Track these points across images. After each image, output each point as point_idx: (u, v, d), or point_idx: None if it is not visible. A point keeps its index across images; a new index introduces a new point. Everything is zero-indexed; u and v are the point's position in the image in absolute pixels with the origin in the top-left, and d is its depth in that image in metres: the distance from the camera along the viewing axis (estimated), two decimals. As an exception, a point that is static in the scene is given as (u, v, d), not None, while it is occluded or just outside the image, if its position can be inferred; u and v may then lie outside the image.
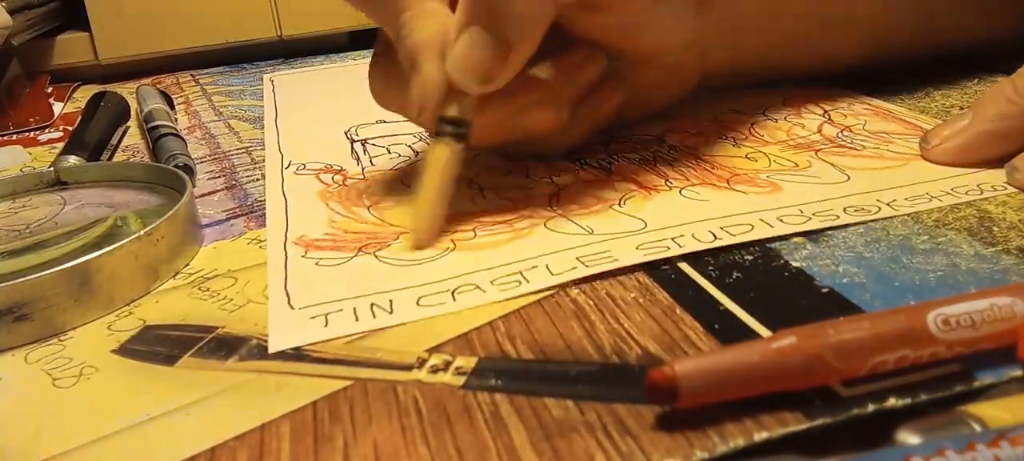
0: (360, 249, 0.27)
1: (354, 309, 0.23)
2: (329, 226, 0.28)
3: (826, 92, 0.39)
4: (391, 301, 0.23)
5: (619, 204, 0.28)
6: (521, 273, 0.24)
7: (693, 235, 0.25)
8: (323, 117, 0.43)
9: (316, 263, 0.26)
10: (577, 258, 0.24)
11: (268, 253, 0.27)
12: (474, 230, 0.27)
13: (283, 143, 0.38)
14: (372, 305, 0.23)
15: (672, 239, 0.25)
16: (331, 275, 0.25)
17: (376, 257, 0.26)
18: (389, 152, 0.36)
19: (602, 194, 0.30)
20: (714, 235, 0.25)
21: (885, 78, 0.39)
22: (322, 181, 0.33)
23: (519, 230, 0.27)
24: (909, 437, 0.17)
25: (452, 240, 0.27)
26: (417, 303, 0.23)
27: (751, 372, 0.17)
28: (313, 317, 0.23)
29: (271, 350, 0.22)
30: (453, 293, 0.23)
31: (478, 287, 0.24)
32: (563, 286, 0.23)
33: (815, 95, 0.39)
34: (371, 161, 0.35)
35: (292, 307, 0.23)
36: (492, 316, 0.22)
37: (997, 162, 0.28)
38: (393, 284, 0.24)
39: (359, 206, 0.30)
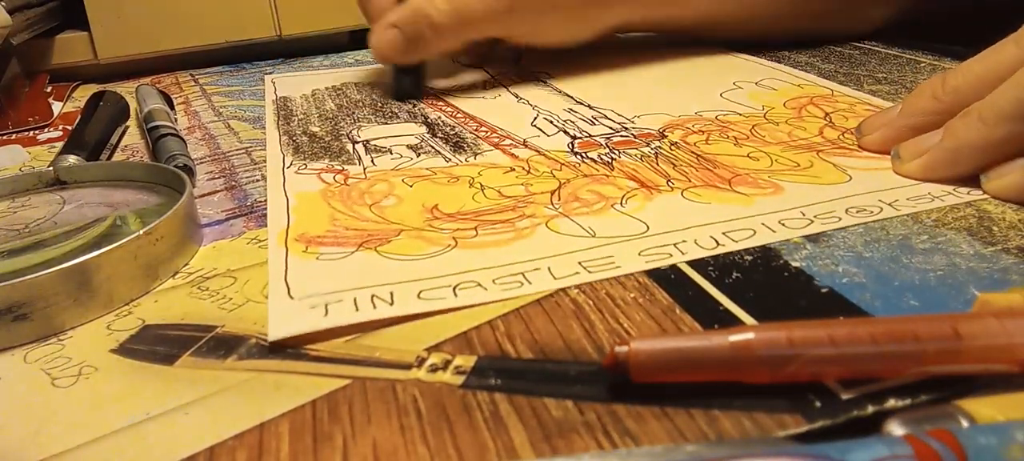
0: (361, 244, 0.27)
1: (354, 299, 0.23)
2: (330, 223, 0.28)
3: (827, 93, 0.39)
4: (392, 293, 0.23)
5: (621, 204, 0.28)
6: (523, 274, 0.24)
7: (695, 241, 0.25)
8: (324, 118, 0.43)
9: (317, 257, 0.26)
10: (579, 263, 0.24)
11: (269, 248, 0.27)
12: (476, 229, 0.27)
13: (284, 143, 0.38)
14: (372, 296, 0.23)
15: (674, 245, 0.25)
16: (332, 268, 0.25)
17: (377, 252, 0.26)
18: (391, 153, 0.36)
19: (603, 191, 0.30)
20: (716, 241, 0.25)
21: (887, 78, 0.39)
22: (323, 180, 0.33)
23: (521, 230, 0.27)
24: (896, 429, 0.17)
25: (454, 237, 0.27)
26: (418, 296, 0.23)
27: (705, 358, 0.18)
28: (313, 306, 0.23)
29: (270, 338, 0.22)
30: (454, 289, 0.23)
31: (479, 284, 0.24)
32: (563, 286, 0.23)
33: (816, 96, 0.39)
34: (372, 161, 0.35)
35: (292, 297, 0.23)
36: (491, 315, 0.22)
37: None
38: (394, 277, 0.24)
39: (360, 205, 0.30)
